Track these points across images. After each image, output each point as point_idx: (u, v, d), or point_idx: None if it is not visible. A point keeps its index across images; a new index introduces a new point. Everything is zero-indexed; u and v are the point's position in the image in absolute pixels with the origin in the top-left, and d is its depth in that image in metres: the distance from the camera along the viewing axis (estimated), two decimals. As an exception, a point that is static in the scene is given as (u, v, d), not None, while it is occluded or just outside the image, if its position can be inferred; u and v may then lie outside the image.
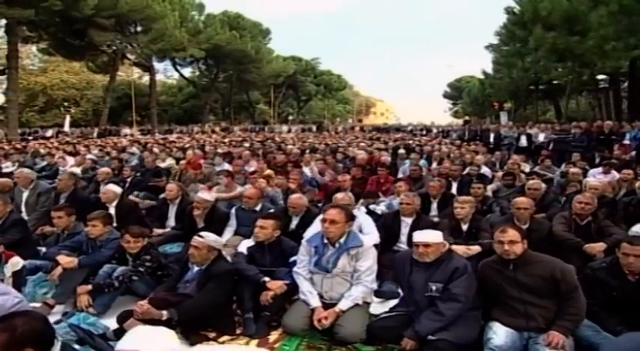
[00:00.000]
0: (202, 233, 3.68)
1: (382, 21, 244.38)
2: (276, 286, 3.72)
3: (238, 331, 3.57)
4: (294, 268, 3.79)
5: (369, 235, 4.81)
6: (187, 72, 56.73)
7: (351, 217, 3.74)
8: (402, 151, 13.74)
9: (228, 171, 7.89)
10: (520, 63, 28.37)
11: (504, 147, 15.74)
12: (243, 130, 44.98)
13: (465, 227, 5.16)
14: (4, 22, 26.15)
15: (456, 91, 73.30)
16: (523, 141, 15.82)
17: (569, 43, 20.91)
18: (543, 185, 6.49)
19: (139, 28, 34.89)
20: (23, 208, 6.35)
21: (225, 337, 3.47)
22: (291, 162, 10.51)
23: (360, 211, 5.33)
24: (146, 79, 48.85)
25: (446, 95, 79.62)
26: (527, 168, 11.10)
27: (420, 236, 3.54)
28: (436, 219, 5.84)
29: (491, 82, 39.74)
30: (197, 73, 56.45)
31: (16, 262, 3.60)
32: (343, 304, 3.54)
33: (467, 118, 59.86)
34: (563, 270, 3.31)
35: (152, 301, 3.37)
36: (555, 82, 30.83)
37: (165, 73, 56.92)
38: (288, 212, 5.43)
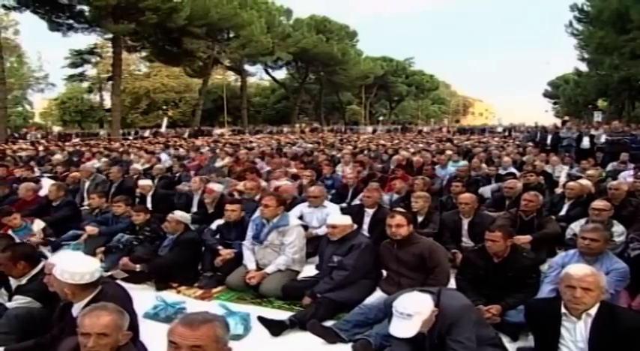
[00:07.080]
0: (174, 211, 4.98)
1: (479, 19, 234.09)
2: (225, 253, 4.91)
3: (195, 285, 4.79)
4: (244, 241, 4.94)
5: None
6: (282, 74, 59.92)
7: (282, 203, 4.81)
8: (448, 152, 14.28)
9: (254, 168, 9.21)
10: (608, 60, 26.76)
11: (563, 148, 15.31)
12: (330, 130, 47.33)
13: (420, 219, 5.96)
14: (110, 35, 30.02)
15: (557, 90, 69.15)
16: (585, 142, 15.24)
17: (617, 41, 19.65)
18: (519, 184, 7.01)
19: (230, 35, 37.94)
20: (85, 195, 8.12)
21: (183, 287, 4.71)
22: (326, 161, 11.58)
23: (329, 203, 6.30)
24: (240, 82, 52.45)
25: (546, 94, 75.17)
26: (564, 170, 11.15)
27: (330, 219, 4.53)
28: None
29: (578, 81, 37.46)
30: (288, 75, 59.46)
31: (38, 223, 5.12)
32: (269, 269, 4.62)
33: (566, 118, 56.54)
34: (431, 250, 4.12)
35: (131, 257, 4.73)
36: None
37: (260, 76, 60.42)
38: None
